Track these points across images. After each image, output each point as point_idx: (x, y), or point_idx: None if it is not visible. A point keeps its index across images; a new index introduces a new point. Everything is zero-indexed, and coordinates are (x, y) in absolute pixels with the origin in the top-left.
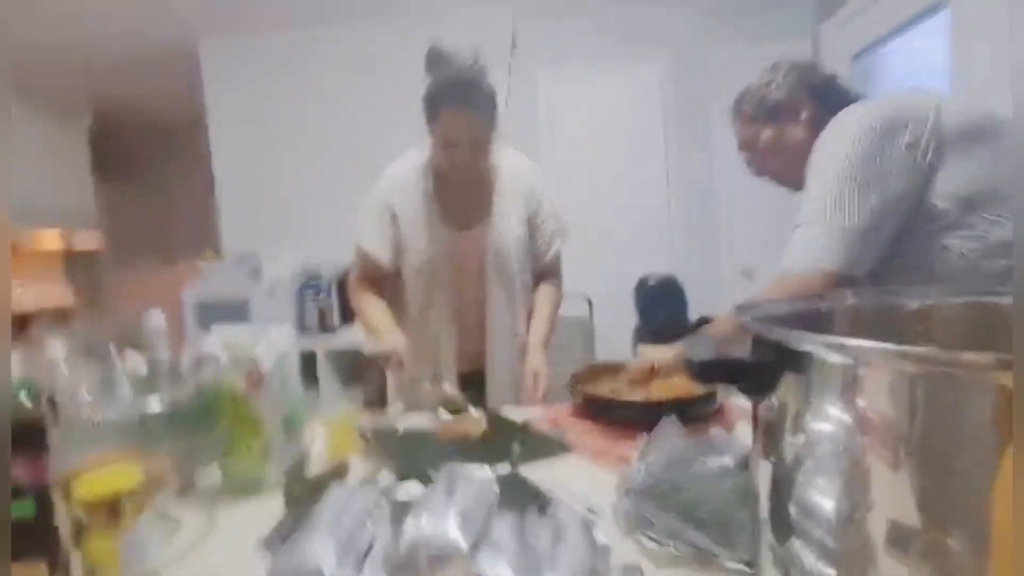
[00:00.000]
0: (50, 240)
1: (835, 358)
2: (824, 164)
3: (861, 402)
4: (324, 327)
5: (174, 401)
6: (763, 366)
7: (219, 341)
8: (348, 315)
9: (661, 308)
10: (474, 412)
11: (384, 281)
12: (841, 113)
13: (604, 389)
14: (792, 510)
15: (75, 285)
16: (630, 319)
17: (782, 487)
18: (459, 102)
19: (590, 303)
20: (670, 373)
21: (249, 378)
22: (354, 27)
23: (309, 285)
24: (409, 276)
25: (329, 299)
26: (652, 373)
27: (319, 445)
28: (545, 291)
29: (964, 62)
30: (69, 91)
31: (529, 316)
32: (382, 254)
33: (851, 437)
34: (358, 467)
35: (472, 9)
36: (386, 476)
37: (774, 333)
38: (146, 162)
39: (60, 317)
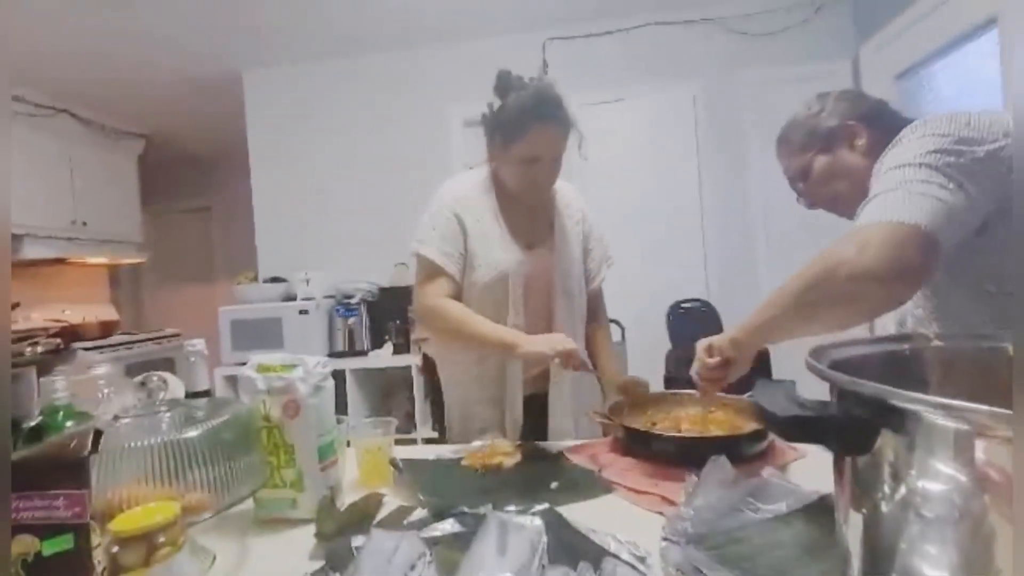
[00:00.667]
0: (99, 260)
1: (944, 421)
2: (899, 159)
3: (981, 456)
4: (354, 349)
5: (212, 427)
6: (857, 424)
7: (255, 367)
8: (377, 338)
9: (694, 333)
10: (505, 442)
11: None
12: (908, 129)
13: (642, 421)
14: None
15: (120, 302)
16: (663, 344)
17: (879, 551)
18: (548, 118)
19: (622, 328)
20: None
21: (286, 405)
22: (386, 55)
23: (340, 307)
24: (475, 294)
25: (360, 322)
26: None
27: (352, 474)
28: (602, 330)
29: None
30: (124, 120)
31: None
32: (452, 267)
33: (969, 498)
34: (390, 500)
35: (503, 36)
36: (420, 512)
37: (867, 388)
38: (190, 187)
39: (106, 331)
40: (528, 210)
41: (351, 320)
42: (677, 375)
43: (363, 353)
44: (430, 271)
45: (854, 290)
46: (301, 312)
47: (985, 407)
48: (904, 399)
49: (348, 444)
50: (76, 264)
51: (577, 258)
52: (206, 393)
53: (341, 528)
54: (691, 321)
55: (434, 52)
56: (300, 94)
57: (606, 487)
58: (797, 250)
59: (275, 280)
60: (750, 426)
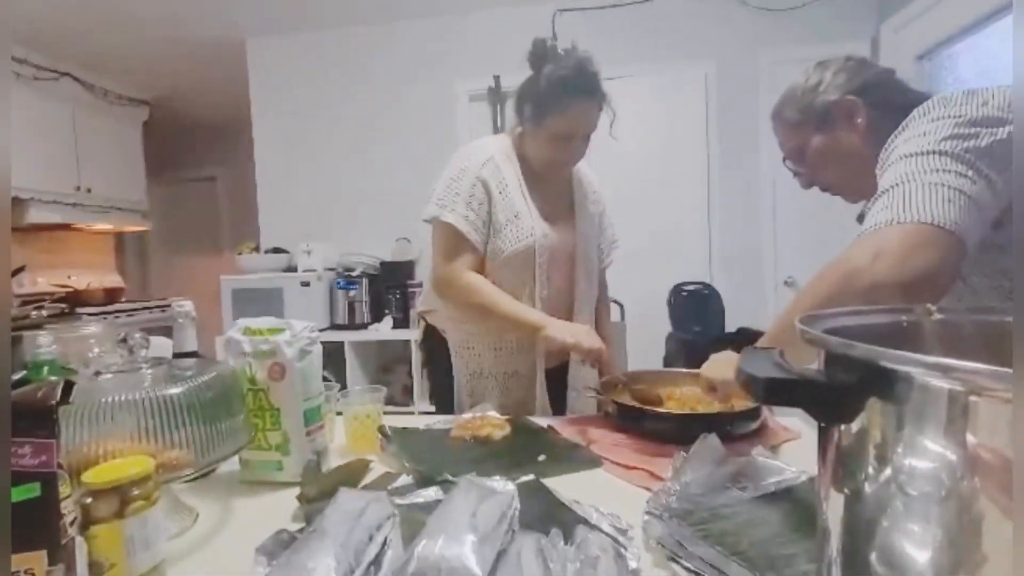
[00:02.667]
0: (104, 226)
1: (939, 383)
2: (911, 146)
3: (972, 437)
4: (354, 322)
5: (195, 386)
6: (842, 388)
7: (242, 329)
8: (377, 312)
9: (696, 317)
10: (495, 415)
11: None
12: (919, 110)
13: (635, 398)
14: (873, 557)
15: (126, 270)
16: (663, 326)
17: (859, 529)
18: (587, 94)
19: (622, 308)
20: (730, 394)
21: (271, 368)
22: (392, 26)
23: (342, 280)
24: (495, 265)
25: (360, 295)
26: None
27: (340, 440)
28: (605, 311)
29: None
30: (128, 86)
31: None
32: (475, 235)
33: (957, 478)
34: (377, 466)
35: (512, 7)
36: (404, 479)
37: (858, 350)
38: (196, 157)
39: (110, 298)
40: (549, 185)
41: (352, 293)
42: (677, 358)
43: (363, 326)
44: (453, 240)
45: (871, 300)
46: (303, 284)
47: (986, 366)
48: (896, 360)
49: (338, 414)
50: (81, 230)
51: (594, 238)
52: (194, 354)
53: (324, 491)
54: (693, 304)
55: (441, 23)
56: (304, 63)
57: (593, 461)
58: (805, 236)
59: (277, 251)
60: (742, 405)
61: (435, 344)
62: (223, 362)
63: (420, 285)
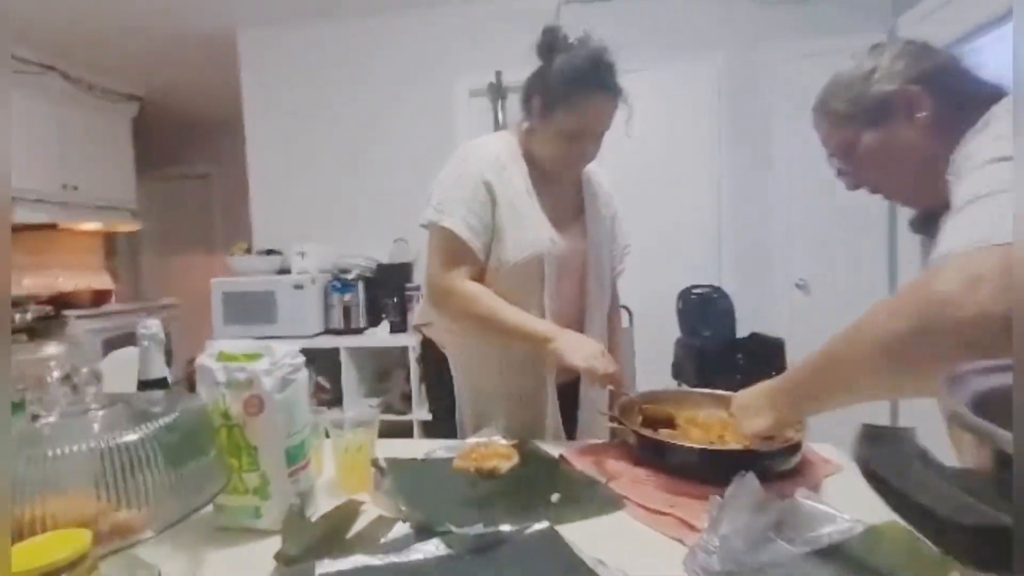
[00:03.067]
0: (92, 226)
1: None
2: (998, 148)
3: None
4: (349, 327)
5: (155, 429)
6: None
7: (215, 355)
8: (374, 316)
9: (706, 321)
10: (501, 442)
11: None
12: (1000, 106)
13: (656, 422)
14: None
15: (117, 271)
16: (671, 331)
17: None
18: (603, 87)
19: (631, 313)
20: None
21: (247, 401)
22: (390, 17)
23: (337, 283)
24: (500, 275)
25: (356, 298)
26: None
27: (329, 472)
28: (616, 323)
29: None
30: (116, 81)
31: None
32: (477, 242)
33: None
34: (369, 508)
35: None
36: (400, 527)
37: None
38: (189, 153)
39: (98, 300)
40: (557, 187)
41: (347, 296)
42: (686, 365)
43: (359, 331)
44: (452, 246)
45: (970, 339)
46: (296, 287)
47: None
48: None
49: (327, 434)
50: (69, 230)
51: (606, 244)
52: (162, 383)
53: (307, 548)
54: (702, 308)
55: (440, 15)
56: (297, 57)
57: (615, 503)
58: (818, 237)
59: (270, 252)
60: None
61: (434, 359)
62: (191, 396)
63: (418, 288)
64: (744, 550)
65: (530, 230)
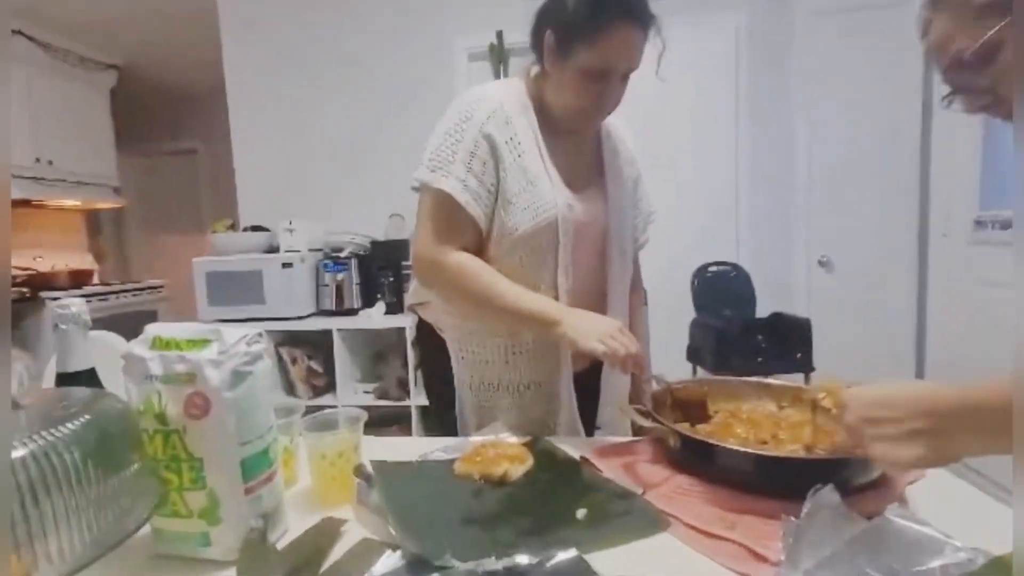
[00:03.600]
0: (71, 203)
1: None
2: None
3: None
4: (342, 308)
5: (47, 445)
6: None
7: (149, 341)
8: (369, 296)
9: (723, 300)
10: (511, 439)
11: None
12: None
13: (696, 417)
14: None
15: (102, 251)
16: (686, 311)
17: None
18: (631, 14)
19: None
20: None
21: (189, 401)
22: None
23: (328, 261)
24: (505, 246)
25: (349, 278)
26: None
27: (307, 480)
28: (640, 304)
29: None
30: (92, 48)
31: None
32: (477, 207)
33: None
34: (352, 527)
35: None
36: (388, 559)
37: None
38: (173, 128)
39: (78, 280)
40: (573, 143)
41: (340, 276)
42: (703, 347)
43: (353, 312)
44: (446, 212)
45: None
46: (284, 265)
47: None
48: None
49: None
50: (47, 207)
51: (629, 209)
52: (86, 376)
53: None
54: (719, 286)
55: None
56: (282, 22)
57: (657, 522)
58: (842, 212)
59: (256, 229)
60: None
61: (432, 345)
62: (110, 395)
63: None
64: None
65: (542, 193)
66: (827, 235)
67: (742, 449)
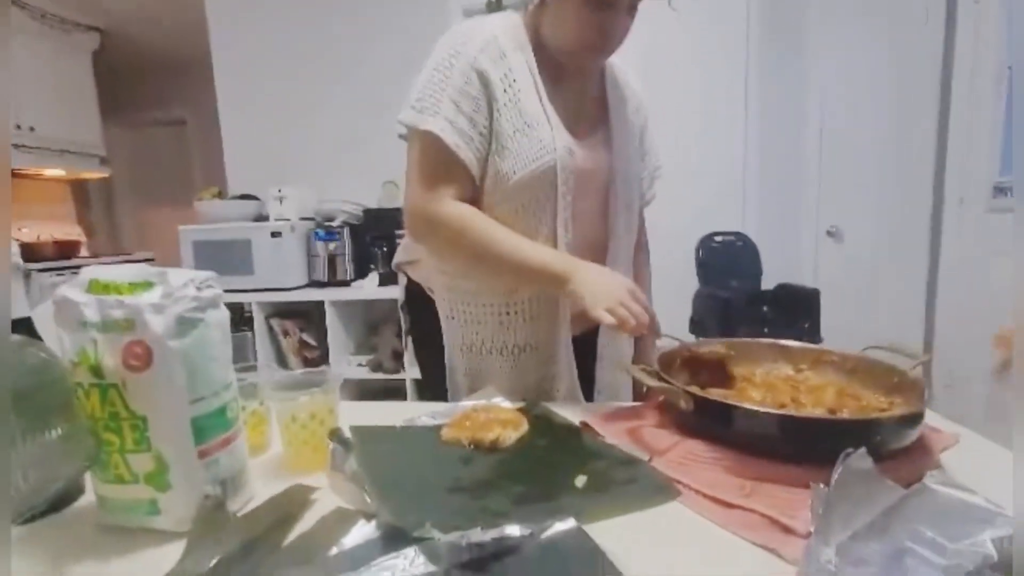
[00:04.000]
0: (55, 172)
1: None
2: None
3: None
4: (335, 279)
5: None
6: None
7: (85, 284)
8: (362, 267)
9: (729, 271)
10: (505, 404)
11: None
12: None
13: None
14: None
15: (92, 223)
16: (690, 283)
17: None
18: None
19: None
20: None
21: (127, 351)
22: None
23: (320, 231)
24: (499, 198)
25: (342, 248)
26: None
27: (277, 449)
28: (645, 267)
29: None
30: (72, 8)
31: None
32: (468, 151)
33: None
34: (325, 496)
35: None
36: (364, 528)
37: None
38: (161, 96)
39: (63, 252)
40: (575, 84)
41: (332, 246)
42: (707, 319)
43: (346, 283)
44: (436, 157)
45: None
46: (273, 234)
47: None
48: None
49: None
50: (32, 177)
51: (636, 159)
52: (20, 327)
53: (218, 564)
54: (725, 256)
55: None
56: None
57: (666, 490)
58: (853, 180)
59: (245, 198)
60: (874, 399)
61: (422, 308)
62: (37, 345)
63: None
64: (878, 570)
65: (539, 136)
66: (837, 204)
67: (765, 410)
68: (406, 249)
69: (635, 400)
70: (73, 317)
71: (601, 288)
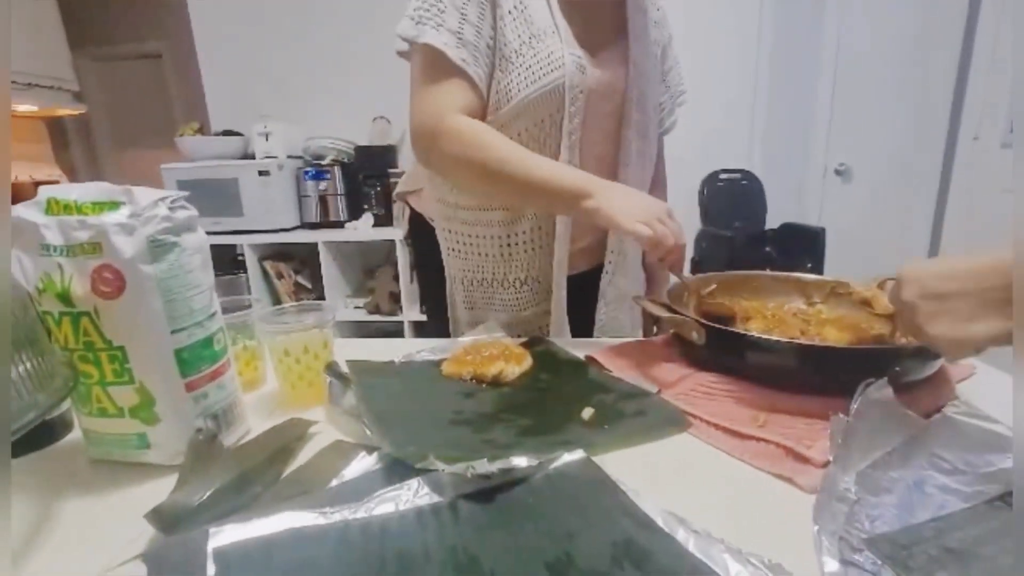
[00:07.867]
0: (26, 107)
1: None
2: None
3: None
4: (328, 220)
5: None
6: None
7: (43, 204)
8: (355, 207)
9: (734, 210)
10: (510, 340)
11: None
12: None
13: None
14: None
15: (72, 163)
16: (692, 222)
17: None
18: None
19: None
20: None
21: (96, 276)
22: None
23: (310, 170)
24: (503, 117)
25: (334, 187)
26: None
27: (273, 385)
28: (662, 199)
29: None
30: None
31: None
32: (473, 65)
33: None
34: (323, 430)
35: None
36: (364, 459)
37: None
38: (134, 28)
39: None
40: None
41: (323, 185)
42: (710, 259)
43: (339, 224)
44: (438, 71)
45: None
46: (261, 173)
47: None
48: None
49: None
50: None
51: (655, 79)
52: None
53: (212, 497)
54: (730, 195)
55: None
56: None
57: (676, 421)
58: (866, 116)
59: (228, 134)
60: (889, 332)
61: (427, 239)
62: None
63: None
64: (900, 505)
65: (547, 49)
66: (847, 140)
67: (781, 339)
68: (410, 176)
69: (644, 336)
70: (34, 241)
71: (636, 203)
